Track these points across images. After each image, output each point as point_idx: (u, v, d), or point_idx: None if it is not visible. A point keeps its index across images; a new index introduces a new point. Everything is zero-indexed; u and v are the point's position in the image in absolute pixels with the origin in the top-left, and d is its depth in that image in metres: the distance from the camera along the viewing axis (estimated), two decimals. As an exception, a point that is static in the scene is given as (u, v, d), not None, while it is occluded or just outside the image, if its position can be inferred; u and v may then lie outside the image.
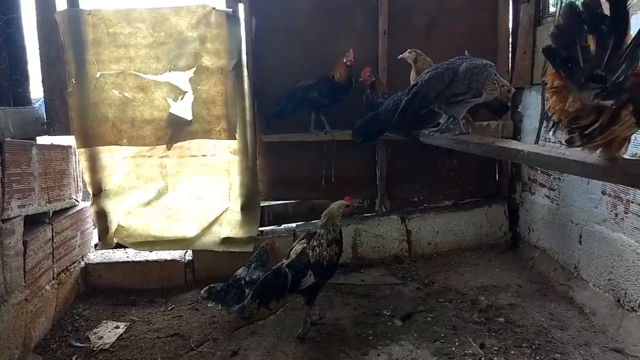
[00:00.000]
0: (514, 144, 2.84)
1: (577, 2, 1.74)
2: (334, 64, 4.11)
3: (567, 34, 1.70)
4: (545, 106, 3.90)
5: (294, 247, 3.30)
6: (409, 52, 3.48)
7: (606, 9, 1.59)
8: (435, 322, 3.30)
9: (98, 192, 4.13)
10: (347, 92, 4.08)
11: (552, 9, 4.23)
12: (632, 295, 2.94)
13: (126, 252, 4.30)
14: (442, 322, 3.29)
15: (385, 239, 4.50)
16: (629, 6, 1.60)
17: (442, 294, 3.73)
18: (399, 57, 3.46)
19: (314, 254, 3.15)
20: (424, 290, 3.82)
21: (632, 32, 1.60)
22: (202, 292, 3.35)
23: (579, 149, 2.00)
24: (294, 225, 4.52)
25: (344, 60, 4.02)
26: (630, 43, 1.60)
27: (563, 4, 3.82)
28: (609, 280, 3.16)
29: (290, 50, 4.35)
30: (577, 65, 1.71)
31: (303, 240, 3.28)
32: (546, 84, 3.84)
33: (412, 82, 3.42)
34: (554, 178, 3.91)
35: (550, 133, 1.97)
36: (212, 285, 3.38)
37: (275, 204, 4.67)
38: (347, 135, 4.16)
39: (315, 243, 3.21)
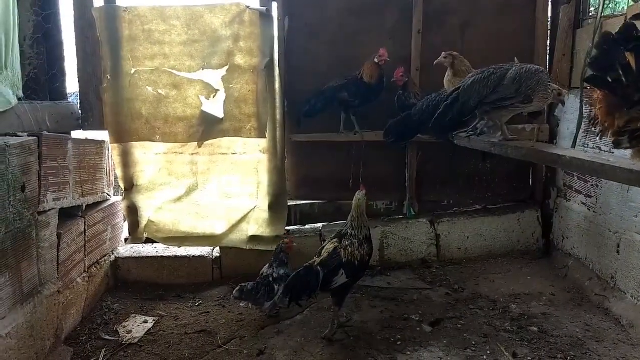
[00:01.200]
0: (554, 149, 2.77)
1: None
2: (364, 63, 4.08)
3: (605, 58, 1.75)
4: (584, 111, 3.82)
5: (325, 245, 3.28)
6: (444, 57, 3.36)
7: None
8: (465, 330, 3.22)
9: (130, 187, 4.18)
10: (378, 93, 4.04)
11: (592, 11, 4.11)
12: (674, 308, 2.82)
13: (155, 247, 4.35)
14: (472, 330, 3.22)
15: (413, 243, 4.44)
16: None
17: (473, 301, 3.65)
18: (435, 62, 3.38)
19: (346, 253, 3.13)
20: (454, 296, 3.75)
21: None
22: (234, 292, 3.36)
23: (627, 155, 1.96)
24: (320, 225, 4.49)
25: (375, 60, 3.97)
26: None
27: (604, 6, 3.72)
28: (649, 292, 3.04)
29: (322, 50, 4.33)
30: (621, 84, 1.73)
31: (335, 240, 3.26)
32: (586, 87, 3.76)
33: (446, 85, 3.34)
34: (592, 185, 3.78)
35: (597, 138, 1.96)
36: (242, 284, 3.39)
37: (302, 204, 4.65)
38: (376, 136, 4.16)
39: (347, 242, 3.19)
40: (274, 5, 4.13)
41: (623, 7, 4.42)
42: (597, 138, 2.04)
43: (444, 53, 3.33)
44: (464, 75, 3.15)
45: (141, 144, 4.11)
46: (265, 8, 4.01)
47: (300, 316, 3.50)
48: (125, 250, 4.31)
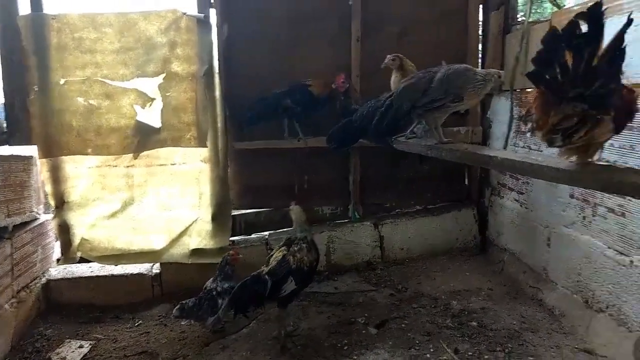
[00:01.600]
0: (486, 150, 2.89)
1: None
2: (306, 69, 4.15)
3: (547, 54, 1.78)
4: (515, 112, 4.02)
5: (273, 254, 3.26)
6: (392, 60, 3.38)
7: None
8: (409, 329, 3.29)
9: (61, 204, 3.98)
10: (323, 104, 4.10)
11: (520, 18, 4.35)
12: (600, 296, 3.01)
13: (90, 267, 4.13)
14: (416, 329, 3.29)
15: (358, 245, 4.49)
16: (605, 19, 1.67)
17: (415, 300, 3.74)
18: (382, 66, 3.41)
19: (295, 260, 3.12)
20: (397, 296, 3.82)
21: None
22: (174, 311, 3.24)
23: (554, 153, 2.05)
24: (266, 234, 4.44)
25: (333, 86, 4.05)
26: (605, 54, 1.67)
27: (531, 13, 3.95)
28: (578, 282, 3.24)
29: (263, 56, 4.31)
30: (556, 82, 1.78)
31: (283, 247, 3.25)
32: (515, 90, 3.96)
33: (393, 87, 3.37)
34: (523, 182, 3.99)
35: (528, 135, 2.02)
36: (183, 302, 3.26)
37: (247, 213, 4.60)
38: (320, 142, 4.16)
39: (296, 248, 3.19)
40: (212, 11, 4.07)
41: (549, 13, 4.72)
42: (529, 135, 2.09)
43: (389, 56, 3.36)
44: (411, 73, 3.21)
45: (72, 157, 3.93)
46: (202, 15, 3.95)
47: (246, 329, 3.44)
48: (58, 271, 4.06)
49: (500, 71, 2.93)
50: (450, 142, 3.01)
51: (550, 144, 1.94)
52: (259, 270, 3.15)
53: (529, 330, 3.18)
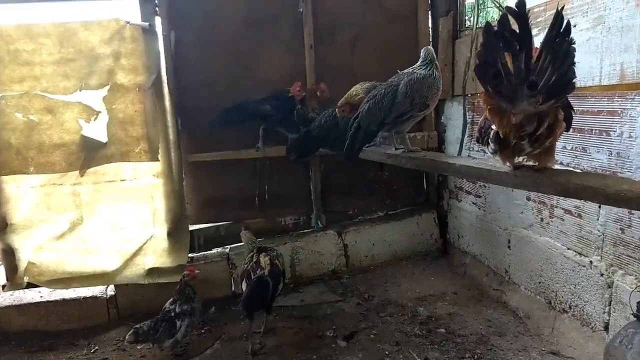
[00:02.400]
0: (444, 158, 2.88)
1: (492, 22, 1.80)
2: (261, 76, 4.13)
3: (489, 52, 1.76)
4: (467, 117, 4.07)
5: (255, 260, 3.32)
6: (342, 111, 3.35)
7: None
8: (378, 339, 3.24)
9: (3, 227, 3.72)
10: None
11: (468, 23, 4.41)
12: (562, 297, 3.06)
13: (39, 292, 3.88)
14: (385, 339, 3.24)
15: (323, 255, 4.42)
16: (531, 24, 1.70)
17: (383, 308, 3.70)
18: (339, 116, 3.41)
19: (280, 263, 3.35)
20: (365, 306, 3.77)
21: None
22: (127, 336, 3.04)
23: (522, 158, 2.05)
24: (227, 248, 4.30)
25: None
26: (542, 50, 1.69)
27: (479, 19, 4.00)
28: (540, 283, 3.28)
29: (215, 63, 4.18)
30: (502, 80, 1.76)
31: (263, 253, 3.36)
32: (467, 95, 4.01)
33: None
34: (480, 185, 4.04)
35: (491, 146, 1.98)
36: (137, 326, 3.07)
37: (206, 227, 4.43)
38: (279, 151, 4.10)
39: (274, 254, 3.40)
40: (157, 19, 3.90)
41: (496, 18, 4.80)
42: (490, 149, 2.05)
43: (338, 109, 3.37)
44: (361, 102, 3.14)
45: (12, 177, 3.67)
46: (147, 23, 3.76)
47: (210, 350, 3.30)
48: (4, 298, 3.80)
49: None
50: (417, 151, 3.00)
51: (520, 152, 1.93)
52: (259, 272, 3.20)
53: (496, 334, 3.20)
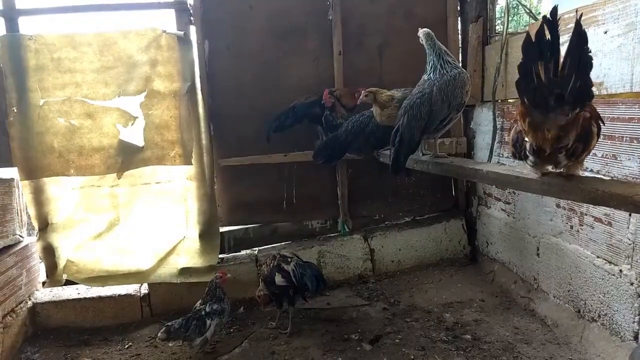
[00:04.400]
0: (471, 164, 2.88)
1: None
2: (290, 83, 4.23)
3: (528, 64, 1.78)
4: (497, 123, 4.05)
5: (290, 262, 3.55)
6: (365, 96, 3.30)
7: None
8: (404, 344, 3.26)
9: (44, 226, 3.87)
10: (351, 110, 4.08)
11: (498, 29, 4.39)
12: (591, 305, 3.02)
13: (77, 289, 4.06)
14: (410, 343, 3.26)
15: (349, 259, 4.47)
16: (560, 31, 1.73)
17: (409, 313, 3.71)
18: (358, 102, 3.39)
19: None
20: (390, 310, 3.79)
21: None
22: (159, 334, 3.15)
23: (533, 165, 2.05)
24: (255, 250, 4.40)
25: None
26: (566, 58, 1.72)
27: (509, 24, 3.98)
28: (569, 291, 3.24)
29: (245, 71, 4.30)
30: (536, 91, 1.78)
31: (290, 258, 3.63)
32: (497, 101, 3.99)
33: (378, 119, 3.33)
34: (509, 192, 4.01)
35: (530, 159, 2.00)
36: (169, 324, 3.19)
37: (236, 229, 4.54)
38: (306, 156, 4.17)
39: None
40: (192, 28, 4.05)
41: (527, 23, 4.77)
42: (529, 162, 2.07)
43: (363, 91, 3.31)
44: (389, 104, 3.20)
45: (55, 179, 3.83)
46: (182, 32, 3.90)
47: (238, 349, 3.39)
48: (44, 294, 3.99)
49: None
50: (444, 156, 3.01)
51: (557, 165, 1.95)
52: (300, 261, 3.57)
53: (523, 341, 3.17)
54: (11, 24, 3.82)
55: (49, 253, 3.92)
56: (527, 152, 2.01)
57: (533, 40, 1.76)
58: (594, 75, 2.79)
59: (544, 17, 1.78)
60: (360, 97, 3.30)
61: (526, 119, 1.88)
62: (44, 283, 4.06)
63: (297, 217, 4.60)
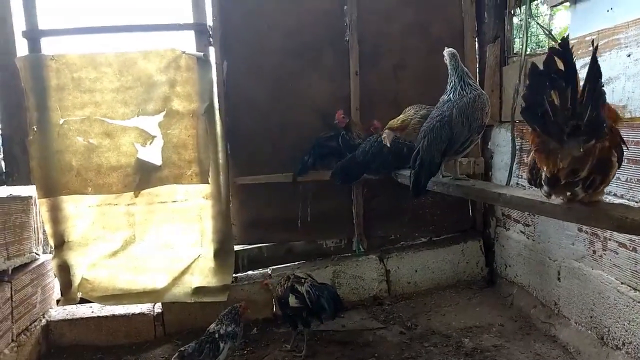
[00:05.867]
0: (494, 187, 2.85)
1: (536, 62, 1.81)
2: (306, 103, 4.27)
3: (535, 92, 1.77)
4: (516, 144, 4.01)
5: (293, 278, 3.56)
6: (385, 136, 3.31)
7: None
8: (422, 370, 3.20)
9: (60, 244, 3.90)
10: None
11: (516, 49, 4.38)
12: (615, 332, 2.93)
13: (91, 307, 4.05)
14: (429, 370, 3.20)
15: (364, 280, 4.41)
16: (575, 60, 1.72)
17: (426, 338, 3.64)
18: (383, 141, 3.38)
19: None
20: (407, 335, 3.72)
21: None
22: (173, 359, 3.11)
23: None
24: (269, 270, 4.37)
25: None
26: (584, 89, 1.70)
27: (527, 45, 3.97)
28: (591, 317, 3.16)
29: (262, 91, 4.31)
30: (550, 119, 1.76)
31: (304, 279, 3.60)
32: (516, 121, 3.95)
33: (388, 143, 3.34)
34: (529, 214, 3.94)
35: (544, 189, 1.97)
36: (182, 349, 3.12)
37: (250, 248, 4.51)
38: (321, 175, 4.16)
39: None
40: (211, 49, 4.09)
41: (545, 46, 4.75)
42: (543, 192, 2.04)
43: (383, 133, 3.32)
44: (408, 127, 3.19)
45: (72, 197, 3.87)
46: (202, 53, 3.94)
47: (252, 372, 3.35)
48: (58, 312, 3.98)
49: None
50: (464, 178, 2.98)
51: (574, 197, 1.91)
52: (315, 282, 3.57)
53: (545, 369, 3.09)
54: (33, 44, 3.88)
55: (64, 271, 3.93)
56: (542, 182, 1.98)
57: (542, 69, 1.74)
58: (617, 98, 2.79)
59: (551, 48, 1.77)
60: (383, 136, 3.31)
61: (539, 147, 1.86)
62: (58, 301, 4.05)
63: (312, 237, 4.57)
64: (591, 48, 2.93)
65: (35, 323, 3.71)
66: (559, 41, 1.73)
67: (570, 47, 1.69)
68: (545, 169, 1.87)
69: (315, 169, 4.17)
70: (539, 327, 3.64)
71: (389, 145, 3.28)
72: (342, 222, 4.57)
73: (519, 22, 4.37)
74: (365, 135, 4.00)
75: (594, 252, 3.12)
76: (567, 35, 1.73)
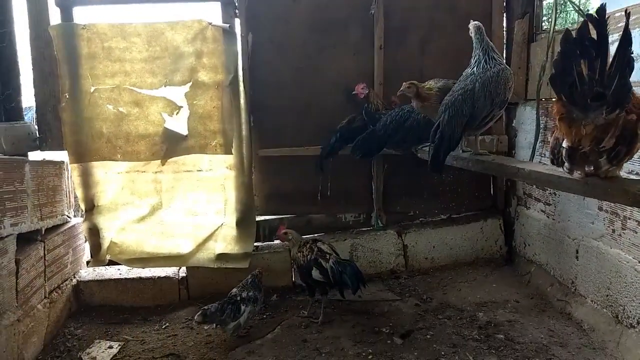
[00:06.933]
0: (513, 162, 2.85)
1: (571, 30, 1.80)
2: (330, 77, 4.28)
3: (566, 61, 1.78)
4: (541, 123, 3.97)
5: (316, 249, 3.61)
6: (407, 87, 3.24)
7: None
8: (435, 340, 3.27)
9: (91, 208, 4.06)
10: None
11: (545, 26, 4.29)
12: (630, 311, 2.94)
13: (119, 269, 4.22)
14: (441, 340, 3.26)
15: (381, 254, 4.48)
16: (608, 31, 1.71)
17: (441, 311, 3.71)
18: (398, 93, 3.34)
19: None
20: (422, 307, 3.79)
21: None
22: (196, 317, 3.26)
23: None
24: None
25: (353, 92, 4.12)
26: (613, 61, 1.70)
27: (556, 22, 3.89)
28: (607, 296, 3.17)
29: (286, 64, 4.35)
30: (576, 89, 1.76)
31: (319, 242, 3.72)
32: (542, 99, 3.90)
33: (419, 110, 3.35)
34: (550, 193, 3.93)
35: (566, 165, 1.98)
36: (205, 307, 3.29)
37: (271, 219, 4.61)
38: (343, 150, 4.18)
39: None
40: (237, 21, 4.13)
41: (574, 21, 4.63)
42: (565, 168, 2.06)
43: (405, 83, 3.27)
44: (429, 98, 3.18)
45: (102, 163, 4.01)
46: (227, 25, 4.00)
47: (271, 334, 3.47)
48: (87, 273, 4.17)
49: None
50: (485, 154, 2.98)
51: (597, 169, 1.91)
52: (343, 258, 3.69)
53: (558, 344, 3.12)
54: (66, 13, 3.99)
55: (94, 234, 4.10)
56: (563, 158, 1.99)
57: (575, 38, 1.74)
58: (643, 76, 2.73)
59: (589, 15, 1.76)
60: (402, 88, 3.24)
61: (563, 116, 1.86)
62: (88, 262, 4.24)
63: (332, 210, 4.64)
64: (621, 24, 2.89)
65: (67, 282, 3.90)
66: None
67: (606, 16, 1.68)
68: (567, 139, 1.87)
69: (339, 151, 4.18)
70: (555, 305, 3.66)
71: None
72: (362, 197, 4.63)
73: (549, -1, 4.27)
74: (386, 105, 4.01)
75: (614, 231, 3.11)
76: (605, 4, 1.71)
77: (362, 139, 3.90)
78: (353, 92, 4.12)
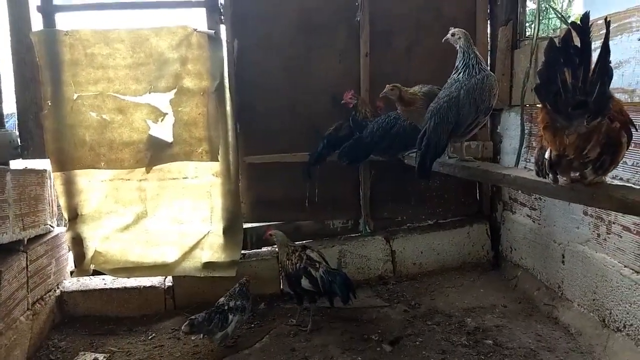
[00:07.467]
0: (499, 168, 2.87)
1: (554, 38, 1.82)
2: (316, 83, 4.26)
3: (551, 70, 1.79)
4: (525, 128, 4.01)
5: (305, 257, 3.57)
6: (391, 89, 3.22)
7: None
8: (424, 347, 3.26)
9: (74, 216, 3.99)
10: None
11: (528, 32, 4.34)
12: (616, 315, 2.97)
13: (103, 279, 4.16)
14: (430, 346, 3.26)
15: (370, 260, 4.48)
16: (591, 38, 1.72)
17: (429, 317, 3.71)
18: (381, 95, 3.32)
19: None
20: (411, 313, 3.79)
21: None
22: (183, 327, 3.20)
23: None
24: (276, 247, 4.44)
25: (342, 102, 4.10)
26: (595, 68, 1.71)
27: (539, 29, 3.94)
28: (594, 300, 3.20)
29: (272, 71, 4.33)
30: (560, 97, 1.78)
31: (307, 249, 3.67)
32: (526, 105, 3.95)
33: (403, 115, 3.35)
34: (535, 198, 3.96)
35: (550, 177, 1.99)
36: (192, 317, 3.24)
37: (258, 226, 4.57)
38: (330, 156, 4.18)
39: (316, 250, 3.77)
40: (222, 27, 4.11)
41: (556, 27, 4.70)
42: (550, 179, 2.07)
43: (388, 86, 3.27)
44: (414, 102, 3.19)
45: (85, 171, 3.94)
46: (213, 31, 3.96)
47: (259, 344, 3.44)
48: (71, 283, 4.10)
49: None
50: (471, 160, 2.99)
51: (583, 178, 1.92)
52: (333, 267, 3.63)
53: (546, 349, 3.14)
54: (48, 19, 3.92)
55: (78, 243, 4.02)
56: (547, 170, 2.00)
57: (558, 46, 1.75)
58: (626, 82, 2.78)
59: (572, 23, 1.78)
60: (385, 90, 3.23)
61: (547, 125, 1.87)
62: (71, 272, 4.16)
63: (320, 217, 4.62)
64: (602, 31, 2.93)
65: (50, 293, 3.82)
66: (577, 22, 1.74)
67: (590, 23, 1.70)
68: (552, 147, 1.89)
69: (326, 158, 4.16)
70: (542, 309, 3.68)
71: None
72: (350, 203, 4.62)
73: (532, 5, 4.32)
74: (373, 113, 4.01)
75: (599, 235, 3.15)
76: (588, 12, 1.73)
77: (349, 146, 3.90)
78: (342, 102, 4.12)
